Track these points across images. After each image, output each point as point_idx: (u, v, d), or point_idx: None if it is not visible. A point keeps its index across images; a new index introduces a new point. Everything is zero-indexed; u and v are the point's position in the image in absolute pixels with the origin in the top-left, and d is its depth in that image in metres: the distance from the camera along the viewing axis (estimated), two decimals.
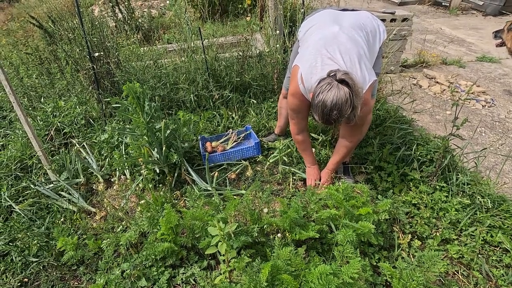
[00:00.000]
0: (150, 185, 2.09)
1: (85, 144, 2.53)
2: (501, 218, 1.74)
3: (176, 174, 2.24)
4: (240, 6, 5.49)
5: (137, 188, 2.16)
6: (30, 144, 2.39)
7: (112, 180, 2.30)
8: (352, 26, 1.73)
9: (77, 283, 1.63)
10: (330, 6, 1.98)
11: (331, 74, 1.52)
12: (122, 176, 2.28)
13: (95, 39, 2.76)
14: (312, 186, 2.04)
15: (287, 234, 1.61)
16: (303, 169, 2.26)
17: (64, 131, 2.72)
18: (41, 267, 1.68)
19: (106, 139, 2.51)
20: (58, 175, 2.24)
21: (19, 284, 1.62)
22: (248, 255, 1.50)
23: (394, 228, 1.79)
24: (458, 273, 1.58)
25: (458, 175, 1.98)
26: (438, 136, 2.39)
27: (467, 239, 1.69)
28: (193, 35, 3.47)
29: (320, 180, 2.08)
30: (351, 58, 1.62)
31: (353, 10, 1.90)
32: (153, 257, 1.58)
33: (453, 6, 7.00)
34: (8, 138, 2.73)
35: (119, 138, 2.50)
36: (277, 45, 3.13)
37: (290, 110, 1.93)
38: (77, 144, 2.53)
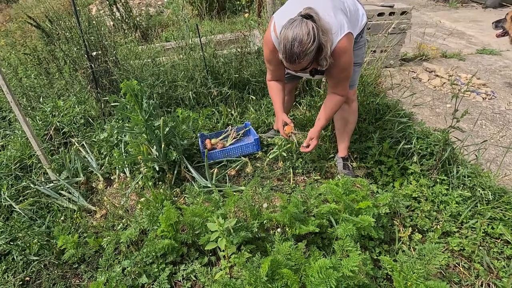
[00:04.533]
0: (150, 183, 2.09)
1: (84, 143, 2.53)
2: (502, 210, 1.73)
3: (175, 172, 2.23)
4: (238, 2, 5.45)
5: (137, 186, 2.16)
6: (29, 144, 2.40)
7: (112, 178, 2.30)
8: None
9: (78, 281, 1.63)
10: None
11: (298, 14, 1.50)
12: (122, 174, 2.28)
13: (92, 38, 2.76)
14: (279, 131, 2.03)
15: (287, 229, 1.61)
16: (303, 166, 2.26)
17: (64, 130, 2.73)
18: (42, 266, 1.69)
19: (105, 137, 2.51)
20: (58, 174, 2.24)
21: (20, 283, 1.62)
22: (248, 250, 1.50)
23: (394, 221, 1.79)
24: (459, 265, 1.57)
25: (458, 167, 1.97)
26: (438, 129, 2.37)
27: (468, 232, 1.69)
28: (191, 33, 3.46)
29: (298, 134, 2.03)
30: (325, 7, 1.59)
31: None
32: (153, 254, 1.58)
33: None
34: (8, 138, 2.74)
35: (118, 137, 2.50)
36: None
37: (265, 60, 1.93)
38: (76, 143, 2.53)
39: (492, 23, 3.26)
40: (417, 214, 1.81)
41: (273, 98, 2.06)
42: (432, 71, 3.76)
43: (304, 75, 1.92)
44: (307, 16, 1.47)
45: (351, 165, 2.18)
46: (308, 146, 1.93)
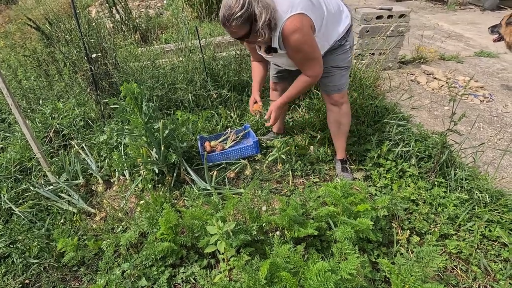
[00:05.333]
0: (150, 185, 2.09)
1: (84, 146, 2.54)
2: (499, 212, 1.75)
3: (175, 174, 2.24)
4: None
5: (137, 188, 2.16)
6: (29, 146, 2.40)
7: (111, 181, 2.31)
8: None
9: (77, 284, 1.64)
10: None
11: None
12: (122, 177, 2.29)
13: (92, 40, 2.76)
14: (250, 110, 2.19)
15: (286, 232, 1.62)
16: (302, 168, 2.27)
17: (63, 132, 2.73)
18: (42, 269, 1.69)
19: (105, 140, 2.51)
20: (57, 176, 2.24)
21: (20, 286, 1.62)
22: (247, 253, 1.51)
23: (393, 224, 1.80)
24: (456, 268, 1.58)
25: (456, 170, 1.98)
26: (436, 132, 2.39)
27: (465, 234, 1.70)
28: (191, 35, 3.47)
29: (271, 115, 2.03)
30: None
31: None
32: (153, 256, 1.59)
33: (451, 1, 6.99)
34: (8, 141, 2.74)
35: (118, 139, 2.50)
36: None
37: None
38: (76, 146, 2.54)
39: (488, 28, 3.29)
40: (415, 216, 1.82)
41: (252, 78, 2.19)
42: (430, 74, 3.79)
43: (266, 56, 1.93)
44: None
45: (350, 167, 2.19)
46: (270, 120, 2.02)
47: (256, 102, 2.13)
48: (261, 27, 1.57)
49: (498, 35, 3.18)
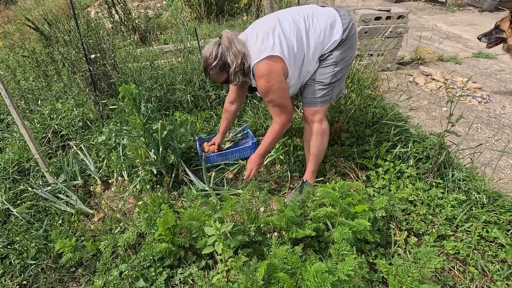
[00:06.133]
0: (148, 186, 2.09)
1: (82, 146, 2.53)
2: (496, 213, 1.75)
3: (173, 175, 2.24)
4: (236, 5, 5.49)
5: (135, 189, 2.17)
6: (27, 147, 2.40)
7: (109, 181, 2.31)
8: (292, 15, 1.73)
9: (75, 285, 1.63)
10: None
11: None
12: (120, 178, 2.28)
13: (91, 41, 2.77)
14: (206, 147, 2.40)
15: (284, 233, 1.62)
16: (300, 169, 2.27)
17: (62, 133, 2.73)
18: (40, 270, 1.69)
19: (103, 140, 2.51)
20: (56, 177, 2.24)
21: (18, 287, 1.62)
22: (245, 254, 1.51)
23: (390, 225, 1.80)
24: (454, 268, 1.59)
25: (454, 171, 1.99)
26: (434, 133, 2.39)
27: (463, 235, 1.70)
28: (190, 35, 3.48)
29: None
30: (262, 30, 1.70)
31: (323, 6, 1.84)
32: (151, 257, 1.59)
33: (449, 3, 7.01)
34: (6, 141, 2.74)
35: (117, 140, 2.50)
36: None
37: None
38: (74, 146, 2.54)
39: (480, 38, 3.19)
40: (413, 217, 1.82)
41: (221, 122, 2.36)
42: (428, 75, 3.79)
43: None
44: (220, 37, 1.75)
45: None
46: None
47: (213, 144, 2.39)
48: (233, 73, 1.72)
49: (495, 40, 3.13)
